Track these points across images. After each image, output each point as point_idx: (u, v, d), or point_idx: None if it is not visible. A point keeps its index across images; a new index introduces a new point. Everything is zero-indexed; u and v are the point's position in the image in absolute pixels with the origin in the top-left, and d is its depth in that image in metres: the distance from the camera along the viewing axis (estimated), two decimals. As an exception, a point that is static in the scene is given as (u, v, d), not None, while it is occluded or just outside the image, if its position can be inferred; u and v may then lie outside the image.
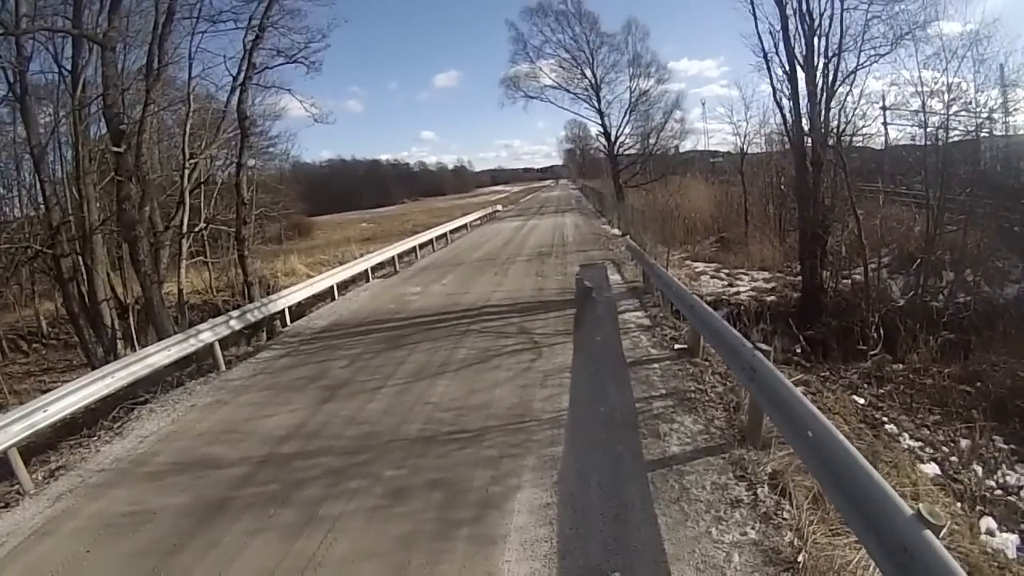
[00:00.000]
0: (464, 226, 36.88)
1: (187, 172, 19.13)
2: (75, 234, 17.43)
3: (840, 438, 4.03)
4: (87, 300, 17.01)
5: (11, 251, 19.35)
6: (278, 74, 20.57)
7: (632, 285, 14.98)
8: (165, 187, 23.24)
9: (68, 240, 17.25)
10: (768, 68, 18.55)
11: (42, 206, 18.01)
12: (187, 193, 19.08)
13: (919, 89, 18.95)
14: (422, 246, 27.31)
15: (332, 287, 17.60)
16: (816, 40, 17.07)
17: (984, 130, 19.11)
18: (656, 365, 8.84)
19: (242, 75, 17.79)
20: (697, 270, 20.85)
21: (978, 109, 18.48)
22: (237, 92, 18.10)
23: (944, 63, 18.15)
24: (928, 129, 19.07)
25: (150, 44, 15.55)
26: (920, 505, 3.12)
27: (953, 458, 8.62)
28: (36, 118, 16.63)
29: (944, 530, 3.13)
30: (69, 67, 17.01)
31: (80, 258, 17.28)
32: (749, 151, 33.70)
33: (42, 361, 22.41)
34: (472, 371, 9.40)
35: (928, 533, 3.01)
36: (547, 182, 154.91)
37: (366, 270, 20.64)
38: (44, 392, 7.94)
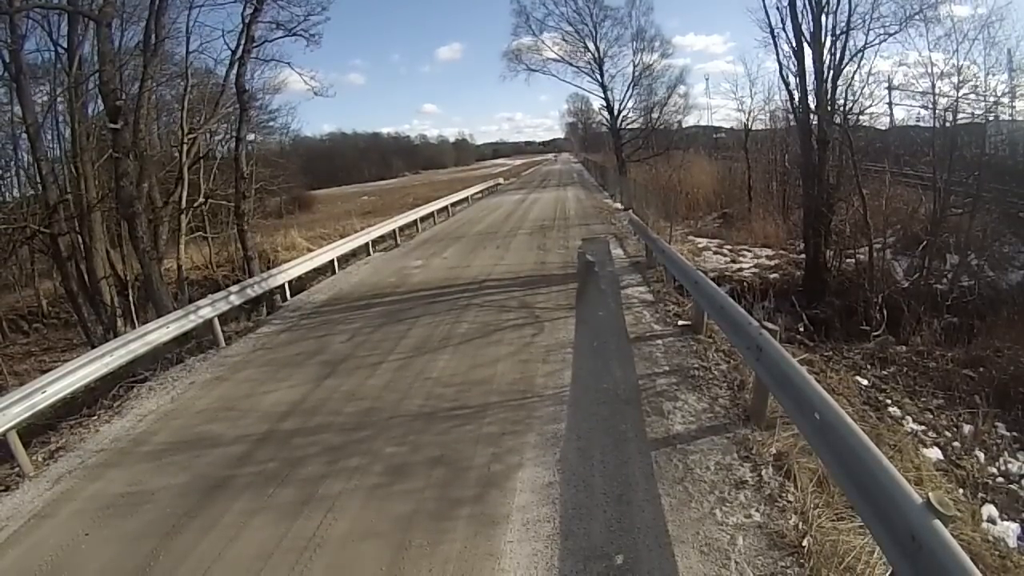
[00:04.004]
0: (465, 199, 36.68)
1: (186, 147, 19.09)
2: (73, 212, 17.37)
3: (849, 421, 3.97)
4: (86, 278, 17.01)
5: (8, 231, 19.23)
6: (277, 47, 20.44)
7: (635, 260, 14.92)
8: (164, 163, 23.19)
9: (66, 218, 17.22)
10: (775, 44, 18.38)
11: (39, 185, 17.87)
12: (186, 168, 19.04)
13: (928, 70, 18.72)
14: (423, 219, 27.22)
15: (332, 261, 17.53)
16: (824, 17, 16.84)
17: (992, 114, 18.90)
18: (659, 341, 8.80)
19: (240, 49, 17.58)
20: (700, 246, 20.67)
21: (987, 92, 18.27)
22: (236, 66, 17.89)
23: (955, 45, 17.91)
24: (936, 111, 18.86)
25: (147, 19, 15.40)
26: (930, 493, 3.05)
27: (956, 443, 8.55)
28: (31, 97, 16.49)
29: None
30: (65, 45, 16.88)
31: (79, 236, 17.23)
32: (753, 127, 33.45)
33: (42, 341, 22.41)
34: (473, 346, 9.37)
35: (937, 522, 2.95)
36: (548, 156, 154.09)
37: (367, 243, 20.54)
38: (44, 372, 7.88)
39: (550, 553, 4.36)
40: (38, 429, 7.85)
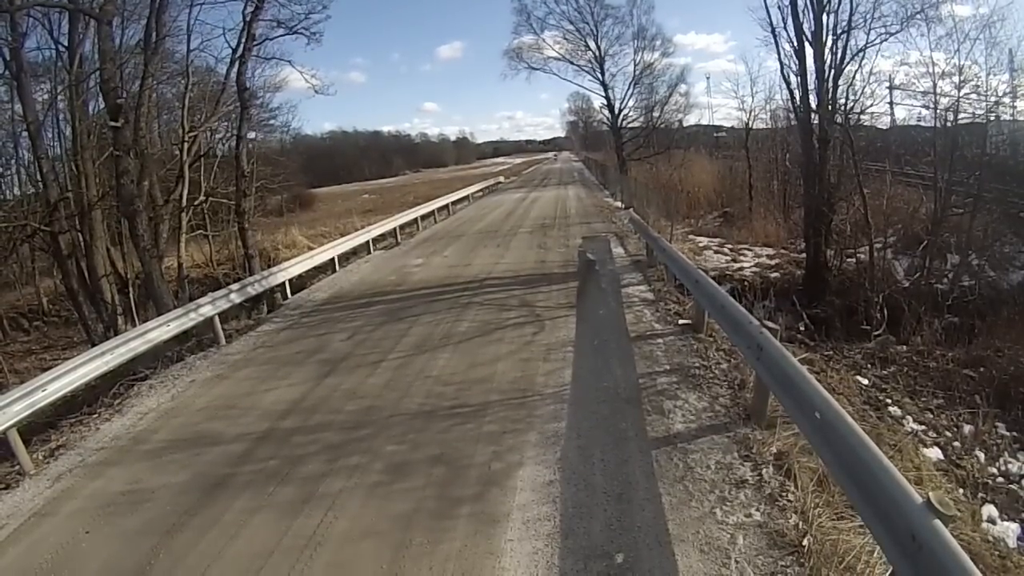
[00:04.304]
0: (466, 198, 36.69)
1: (187, 145, 19.01)
2: (74, 210, 17.34)
3: (849, 421, 3.97)
4: (87, 276, 16.99)
5: (9, 229, 19.21)
6: (278, 45, 20.35)
7: (635, 258, 14.93)
8: (165, 161, 23.14)
9: (67, 217, 17.19)
10: (776, 43, 18.32)
11: (40, 183, 17.85)
12: (187, 167, 18.96)
13: (929, 70, 18.73)
14: (424, 217, 27.15)
15: (333, 259, 17.53)
16: (825, 16, 16.81)
17: (993, 114, 18.90)
18: (660, 340, 8.80)
19: (241, 47, 17.52)
20: (701, 244, 20.66)
21: (988, 93, 18.27)
22: (237, 64, 17.82)
23: (956, 45, 17.92)
24: (937, 111, 18.86)
25: (147, 17, 15.33)
26: (930, 493, 3.05)
27: (956, 443, 8.56)
28: (32, 95, 16.46)
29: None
30: (66, 43, 16.86)
31: (79, 234, 17.21)
32: (754, 127, 33.44)
33: (43, 339, 22.38)
34: (474, 344, 9.37)
35: (937, 522, 2.94)
36: (549, 154, 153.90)
37: (367, 242, 20.51)
38: (44, 370, 7.86)
39: (550, 552, 4.36)
40: (38, 427, 7.84)
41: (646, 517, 4.64)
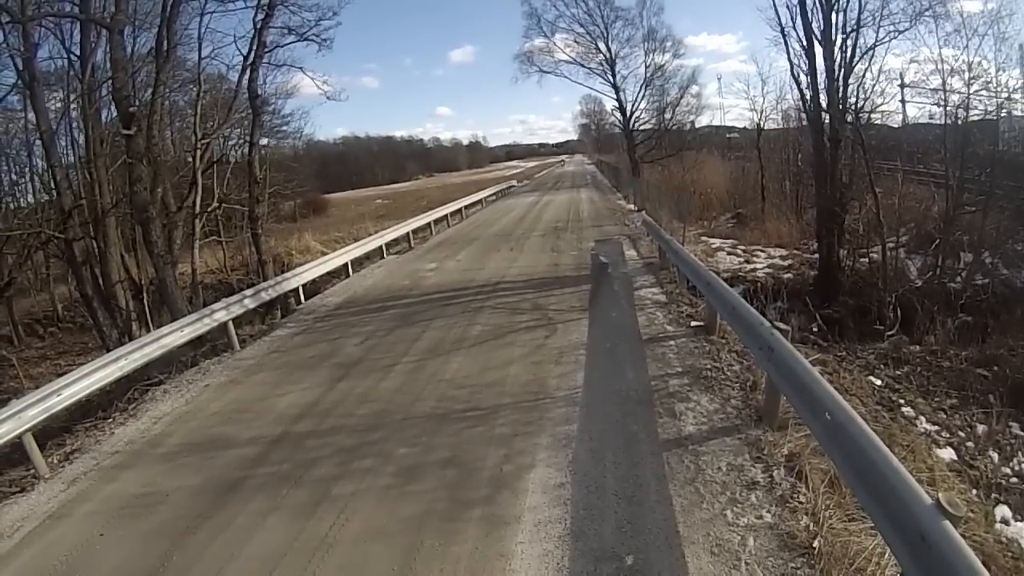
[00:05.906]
0: (479, 202, 36.73)
1: (199, 152, 19.15)
2: (87, 217, 17.45)
3: (859, 422, 3.96)
4: (101, 283, 17.09)
5: (24, 236, 19.40)
6: (289, 52, 20.57)
7: (648, 261, 14.89)
8: (177, 168, 23.34)
9: (81, 224, 17.30)
10: (785, 43, 18.23)
11: (54, 191, 18.01)
12: (199, 173, 19.10)
13: (939, 67, 18.59)
14: (437, 222, 27.14)
15: (346, 264, 17.59)
16: (834, 15, 16.74)
17: (1004, 110, 18.76)
18: (672, 342, 8.78)
19: (252, 54, 17.75)
20: (713, 246, 20.60)
21: (998, 88, 18.14)
22: (248, 71, 18.08)
23: (965, 41, 17.79)
24: (948, 108, 18.74)
25: (159, 26, 15.49)
26: (940, 494, 3.04)
27: (969, 443, 8.46)
28: (45, 104, 16.58)
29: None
30: (78, 52, 17.01)
31: (93, 241, 17.33)
32: (766, 127, 33.29)
33: (57, 345, 22.56)
34: (486, 348, 9.38)
35: (947, 523, 2.93)
36: (561, 157, 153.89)
37: (380, 247, 20.53)
38: (59, 376, 7.95)
39: (560, 554, 4.37)
40: (53, 431, 7.94)
41: (657, 519, 4.64)
